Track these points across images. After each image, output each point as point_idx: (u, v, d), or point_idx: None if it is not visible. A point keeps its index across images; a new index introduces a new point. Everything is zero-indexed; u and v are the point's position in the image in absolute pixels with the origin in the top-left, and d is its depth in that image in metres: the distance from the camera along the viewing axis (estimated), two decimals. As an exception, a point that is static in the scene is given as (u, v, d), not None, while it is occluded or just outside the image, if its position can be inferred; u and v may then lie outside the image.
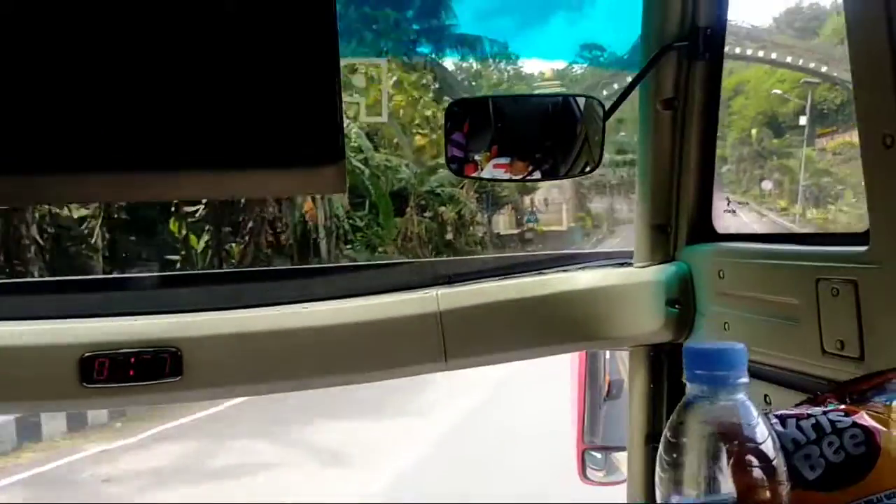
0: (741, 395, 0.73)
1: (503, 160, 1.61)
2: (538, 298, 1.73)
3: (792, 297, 1.33)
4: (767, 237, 1.51)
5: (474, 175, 1.65)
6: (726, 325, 1.53)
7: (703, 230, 1.66)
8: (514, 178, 1.65)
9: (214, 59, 0.69)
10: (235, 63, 0.69)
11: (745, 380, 0.73)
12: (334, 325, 1.65)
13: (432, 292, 1.71)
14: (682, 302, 1.65)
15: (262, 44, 0.69)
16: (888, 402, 0.90)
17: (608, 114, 1.58)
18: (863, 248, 1.16)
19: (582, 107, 1.64)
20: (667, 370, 1.74)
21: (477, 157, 1.65)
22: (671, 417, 0.76)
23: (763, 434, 0.72)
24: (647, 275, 1.71)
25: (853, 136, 1.53)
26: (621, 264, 1.81)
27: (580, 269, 1.82)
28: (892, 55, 1.02)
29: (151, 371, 1.56)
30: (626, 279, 1.74)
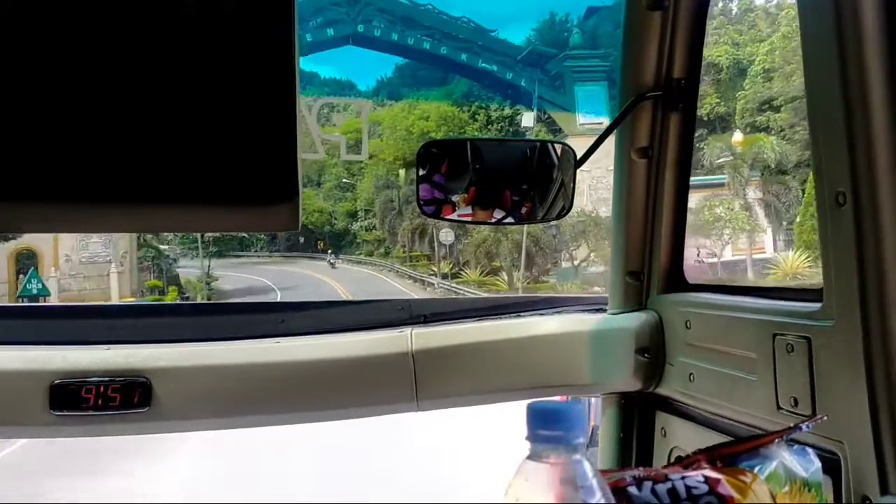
0: (578, 456, 0.72)
1: (476, 204, 1.63)
2: (511, 341, 1.73)
3: (751, 351, 1.33)
4: (733, 289, 1.53)
5: (450, 217, 1.67)
6: (692, 377, 1.54)
7: (675, 279, 1.67)
8: (489, 221, 1.67)
9: (170, 94, 0.68)
10: (191, 98, 0.69)
11: (581, 440, 0.72)
12: (306, 362, 1.64)
13: (406, 331, 1.72)
14: (651, 351, 1.65)
15: (218, 80, 0.69)
16: (756, 468, 0.89)
17: (581, 161, 1.61)
18: (817, 305, 1.17)
19: (558, 152, 1.67)
20: (637, 419, 1.74)
21: (454, 199, 1.67)
22: (508, 478, 0.74)
23: (597, 496, 0.71)
24: (620, 322, 1.72)
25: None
26: (596, 310, 1.82)
27: (556, 313, 1.83)
28: (846, 115, 1.05)
29: (120, 401, 1.55)
30: (600, 326, 1.74)
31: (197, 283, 35.27)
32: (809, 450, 0.97)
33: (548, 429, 0.72)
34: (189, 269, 37.96)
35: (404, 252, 40.45)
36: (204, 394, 1.60)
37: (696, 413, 1.56)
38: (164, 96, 0.68)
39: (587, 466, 0.72)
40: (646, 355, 1.65)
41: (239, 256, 45.47)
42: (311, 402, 1.66)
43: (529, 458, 0.73)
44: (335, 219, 47.45)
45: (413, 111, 45.43)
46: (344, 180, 48.37)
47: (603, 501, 0.72)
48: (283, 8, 0.69)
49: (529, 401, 0.75)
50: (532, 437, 0.73)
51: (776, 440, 0.95)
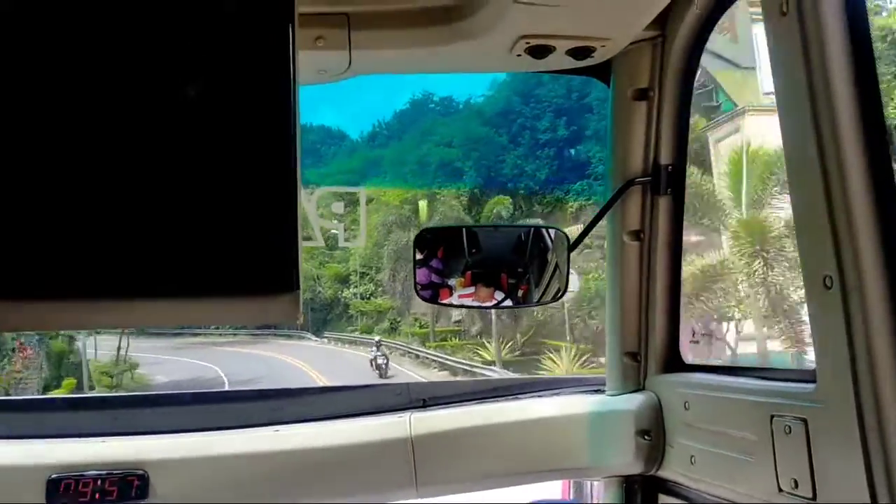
0: None
1: (471, 289, 1.67)
2: (511, 425, 1.72)
3: (749, 432, 1.34)
4: (730, 370, 1.54)
5: (447, 302, 1.69)
6: (693, 459, 1.53)
7: (672, 359, 1.68)
8: (485, 305, 1.69)
9: (170, 187, 0.69)
10: (192, 191, 0.69)
11: None
12: (303, 450, 1.63)
13: (405, 416, 1.71)
14: (651, 433, 1.65)
15: (219, 172, 0.70)
16: None
17: (574, 245, 1.64)
18: (811, 387, 1.18)
19: (552, 237, 1.71)
20: (640, 503, 1.72)
21: (451, 283, 1.70)
22: None
23: None
24: (619, 404, 1.72)
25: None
26: (594, 391, 1.83)
27: (554, 394, 1.83)
28: (828, 203, 1.09)
29: (118, 494, 1.53)
30: (599, 407, 1.74)
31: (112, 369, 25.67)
32: None
33: None
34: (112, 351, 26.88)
35: (421, 327, 29.84)
36: (202, 484, 1.58)
37: (698, 496, 1.55)
38: (165, 191, 0.69)
39: None
40: (646, 437, 1.65)
41: (196, 335, 34.27)
42: (310, 490, 1.64)
43: None
44: (320, 286, 33.49)
45: (428, 139, 36.19)
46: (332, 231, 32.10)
47: None
48: (283, 93, 0.71)
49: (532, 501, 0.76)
50: None
51: None
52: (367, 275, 33.58)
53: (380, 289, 32.77)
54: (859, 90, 1.08)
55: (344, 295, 33.96)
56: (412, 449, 1.65)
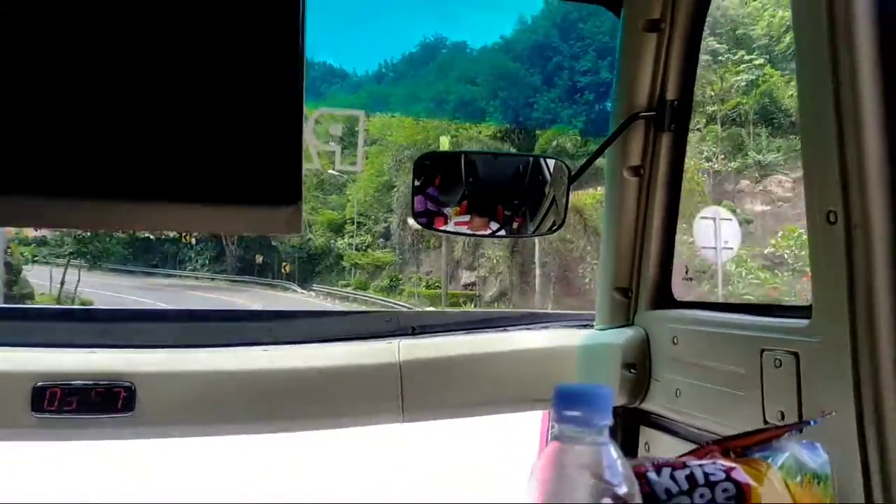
0: (603, 437, 0.74)
1: (467, 217, 1.65)
2: (499, 355, 1.73)
3: (738, 366, 1.35)
4: (720, 306, 1.54)
5: (443, 229, 1.68)
6: (678, 392, 1.55)
7: (662, 296, 1.69)
8: (481, 233, 1.68)
9: (177, 95, 0.69)
10: (198, 99, 0.70)
11: (607, 422, 0.74)
12: (292, 370, 1.64)
13: (394, 342, 1.72)
14: (638, 367, 1.67)
15: (225, 82, 0.70)
16: (769, 459, 0.92)
17: (574, 177, 1.62)
18: (805, 322, 1.19)
19: (551, 168, 1.69)
20: (621, 433, 1.75)
21: (447, 211, 1.68)
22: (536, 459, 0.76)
23: (620, 478, 0.73)
24: (607, 338, 1.73)
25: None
26: (583, 325, 1.83)
27: (543, 328, 1.84)
28: (839, 135, 1.07)
29: (103, 405, 1.53)
30: (587, 341, 1.76)
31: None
32: (818, 444, 0.99)
33: (573, 409, 0.74)
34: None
35: (428, 287, 26.50)
36: (189, 400, 1.59)
37: (681, 428, 1.57)
38: (171, 97, 0.69)
39: (612, 448, 0.74)
40: (632, 371, 1.67)
41: (169, 276, 30.61)
42: (296, 411, 1.65)
43: (555, 438, 0.74)
44: (312, 233, 29.56)
45: (448, 74, 32.14)
46: (331, 172, 29.10)
47: (626, 484, 0.73)
48: (291, 13, 0.71)
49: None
50: (558, 418, 0.75)
51: (787, 433, 0.97)
52: (365, 225, 30.14)
53: (380, 240, 28.96)
54: (881, 33, 1.05)
55: (338, 246, 30.06)
56: (400, 375, 1.66)
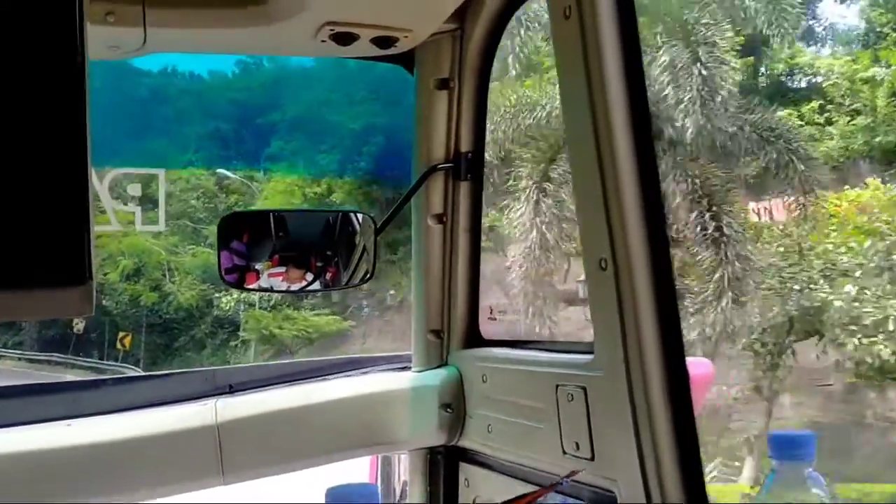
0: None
1: (281, 269, 1.66)
2: (319, 406, 1.75)
3: (538, 401, 1.46)
4: (522, 343, 1.66)
5: (253, 286, 1.68)
6: (490, 428, 1.65)
7: (472, 336, 1.78)
8: (293, 288, 1.70)
9: None
10: None
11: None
12: (99, 444, 1.56)
13: (210, 403, 1.68)
14: (454, 405, 1.75)
15: (2, 153, 0.62)
16: None
17: (380, 229, 1.69)
18: (590, 357, 1.32)
19: (360, 220, 1.75)
20: (443, 471, 1.82)
21: (258, 266, 1.68)
22: None
23: None
24: (423, 380, 1.80)
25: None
26: (401, 368, 1.89)
27: (363, 373, 1.87)
28: (603, 193, 1.21)
29: None
30: (405, 384, 1.81)
31: None
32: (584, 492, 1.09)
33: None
34: None
35: None
36: None
37: (495, 462, 1.66)
38: None
39: None
40: (448, 410, 1.74)
41: None
42: (107, 486, 1.57)
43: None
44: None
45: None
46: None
47: None
48: (75, 75, 0.65)
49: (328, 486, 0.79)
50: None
51: (547, 493, 1.07)
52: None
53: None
54: (630, 89, 1.21)
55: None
56: (218, 436, 1.63)
